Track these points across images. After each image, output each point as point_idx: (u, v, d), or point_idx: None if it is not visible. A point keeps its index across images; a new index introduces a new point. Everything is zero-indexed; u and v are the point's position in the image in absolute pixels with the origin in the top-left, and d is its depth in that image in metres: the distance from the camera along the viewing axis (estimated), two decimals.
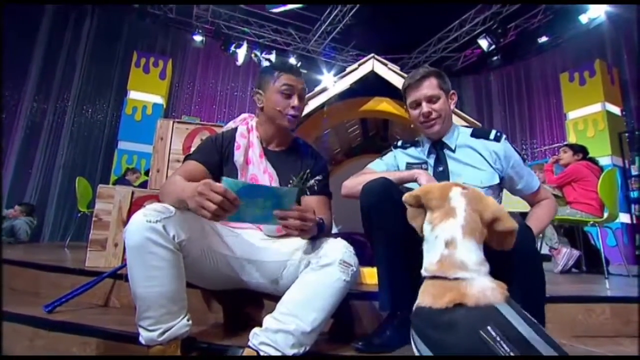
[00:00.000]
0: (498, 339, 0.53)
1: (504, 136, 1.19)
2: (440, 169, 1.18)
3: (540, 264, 0.84)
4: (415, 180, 1.06)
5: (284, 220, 0.89)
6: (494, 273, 0.81)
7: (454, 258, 0.64)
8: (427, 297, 0.65)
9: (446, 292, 0.61)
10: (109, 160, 5.61)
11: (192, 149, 1.97)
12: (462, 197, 0.71)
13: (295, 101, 1.15)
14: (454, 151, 1.19)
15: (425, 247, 0.74)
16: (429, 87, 1.17)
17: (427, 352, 0.62)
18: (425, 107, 1.17)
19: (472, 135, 1.21)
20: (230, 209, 0.81)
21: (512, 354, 0.52)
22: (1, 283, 1.31)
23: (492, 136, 1.18)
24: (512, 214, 0.89)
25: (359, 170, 1.28)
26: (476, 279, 0.62)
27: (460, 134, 1.22)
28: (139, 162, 5.35)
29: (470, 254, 0.65)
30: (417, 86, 1.19)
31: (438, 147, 1.21)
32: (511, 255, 0.79)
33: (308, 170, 1.05)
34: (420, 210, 0.77)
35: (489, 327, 0.54)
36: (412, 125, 1.28)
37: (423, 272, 0.71)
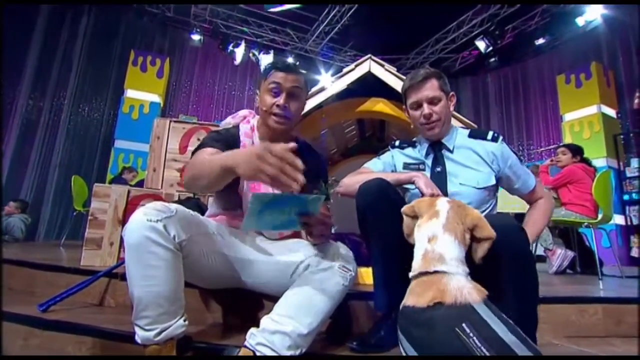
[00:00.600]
0: (471, 335, 0.56)
1: (501, 137, 1.21)
2: (438, 169, 1.19)
3: (533, 265, 0.85)
4: (412, 183, 1.07)
5: (309, 226, 0.90)
6: (487, 274, 0.83)
7: (434, 252, 0.71)
8: (411, 297, 0.68)
9: (428, 290, 0.66)
10: (106, 158, 5.59)
11: (189, 149, 1.98)
12: (447, 203, 0.80)
13: (281, 99, 1.08)
14: (452, 152, 1.20)
15: (415, 250, 0.78)
16: (431, 88, 1.17)
17: (410, 349, 0.65)
18: (426, 108, 1.17)
19: (470, 136, 1.23)
20: (291, 174, 0.74)
21: (483, 348, 0.55)
22: (1, 284, 1.30)
23: (489, 136, 1.20)
24: (506, 214, 0.90)
25: (355, 171, 1.29)
26: (455, 276, 0.66)
27: (458, 135, 1.23)
28: (135, 160, 5.34)
29: (449, 247, 0.71)
30: (418, 87, 1.18)
31: (436, 148, 1.22)
32: (504, 256, 0.80)
33: (334, 178, 1.04)
34: (415, 220, 0.83)
35: (464, 325, 0.58)
36: (411, 126, 1.28)
37: (410, 274, 0.74)
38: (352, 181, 1.16)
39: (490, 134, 1.20)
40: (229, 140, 1.12)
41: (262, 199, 0.82)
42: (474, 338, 0.56)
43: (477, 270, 0.86)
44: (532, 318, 0.82)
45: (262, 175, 0.74)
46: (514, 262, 0.80)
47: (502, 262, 0.80)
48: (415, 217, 0.83)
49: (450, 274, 0.67)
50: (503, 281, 0.80)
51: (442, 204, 0.80)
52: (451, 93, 1.22)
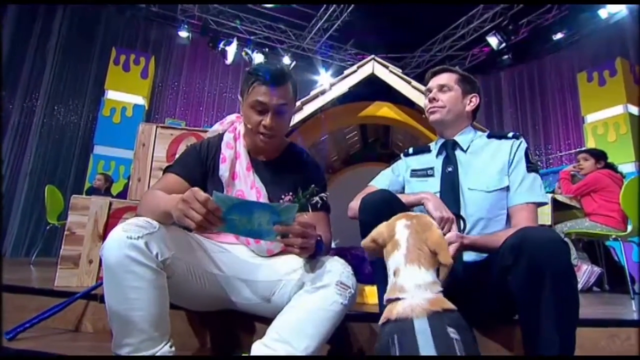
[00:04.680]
0: (396, 343, 0.71)
1: (522, 138, 1.24)
2: (450, 169, 1.23)
3: (575, 283, 0.85)
4: (422, 204, 1.09)
5: (285, 237, 0.90)
6: (524, 293, 0.83)
7: (397, 284, 0.80)
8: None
9: (386, 312, 0.79)
10: (83, 166, 5.57)
11: (177, 157, 1.98)
12: (406, 228, 0.84)
13: (267, 120, 1.08)
14: (465, 152, 1.25)
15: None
16: (447, 79, 1.28)
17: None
18: (432, 94, 1.28)
19: (489, 136, 1.28)
20: (214, 222, 0.82)
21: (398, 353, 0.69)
22: (1, 285, 1.29)
23: (510, 135, 1.25)
24: (548, 227, 0.91)
25: (357, 180, 1.31)
26: (408, 299, 0.77)
27: (476, 137, 1.28)
28: (117, 168, 5.34)
29: (411, 278, 0.79)
30: (435, 75, 1.31)
31: (449, 147, 1.27)
32: (546, 274, 0.81)
33: (313, 185, 1.03)
34: (380, 249, 0.88)
35: (395, 336, 0.72)
36: (423, 116, 1.35)
37: (384, 301, 0.82)
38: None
39: (511, 133, 1.26)
40: (206, 156, 1.16)
41: (225, 201, 0.83)
42: (396, 345, 0.70)
43: (510, 290, 0.87)
44: (572, 341, 0.83)
45: (187, 220, 0.82)
46: (556, 279, 0.80)
47: (544, 279, 0.81)
48: (382, 246, 0.87)
49: (406, 299, 0.77)
50: (543, 300, 0.81)
51: (400, 229, 0.84)
52: (473, 95, 1.29)
